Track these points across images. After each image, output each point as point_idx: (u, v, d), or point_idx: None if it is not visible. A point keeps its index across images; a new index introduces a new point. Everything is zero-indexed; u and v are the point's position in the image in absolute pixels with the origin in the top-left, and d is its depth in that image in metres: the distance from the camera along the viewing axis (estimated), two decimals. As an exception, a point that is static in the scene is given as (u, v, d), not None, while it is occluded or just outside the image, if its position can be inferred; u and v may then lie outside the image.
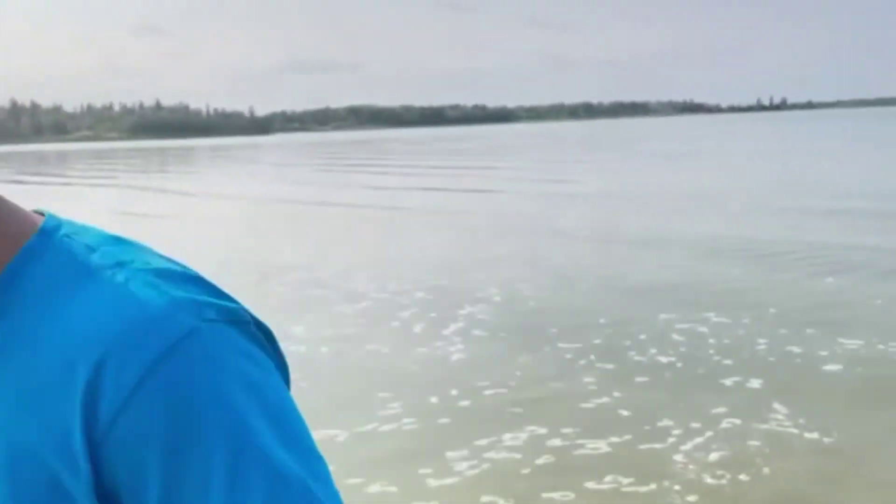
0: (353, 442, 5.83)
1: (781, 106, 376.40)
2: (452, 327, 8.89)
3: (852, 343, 7.61)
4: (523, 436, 5.81)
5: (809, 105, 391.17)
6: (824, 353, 7.36)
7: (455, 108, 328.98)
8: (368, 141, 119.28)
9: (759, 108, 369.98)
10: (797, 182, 24.55)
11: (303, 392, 7.36)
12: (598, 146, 64.61)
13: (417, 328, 8.94)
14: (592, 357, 7.61)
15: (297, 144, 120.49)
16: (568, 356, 7.69)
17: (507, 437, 5.78)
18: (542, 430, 5.90)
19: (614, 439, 5.72)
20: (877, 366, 7.01)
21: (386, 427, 6.08)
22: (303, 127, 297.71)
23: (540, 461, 5.39)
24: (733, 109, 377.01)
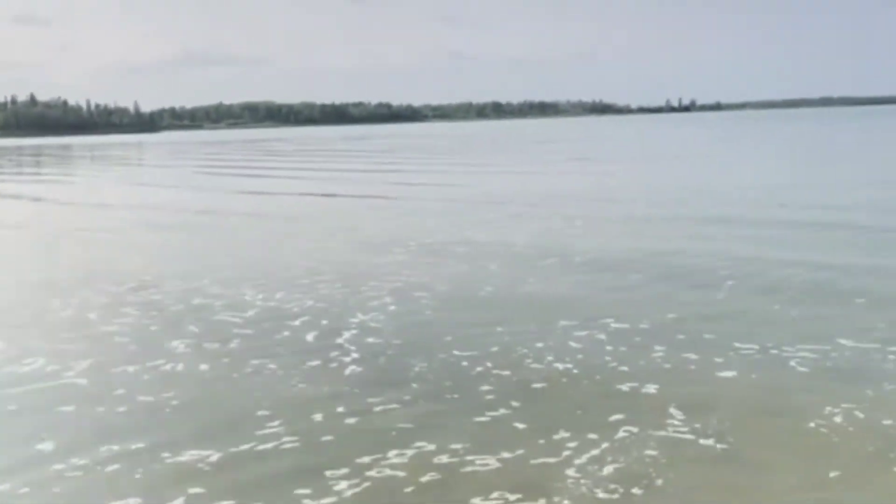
0: (226, 464, 5.64)
1: (691, 107, 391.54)
2: (346, 336, 8.77)
3: (748, 349, 7.91)
4: (409, 452, 5.75)
5: (718, 106, 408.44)
6: (720, 360, 7.62)
7: (358, 105, 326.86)
8: (264, 140, 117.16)
9: (669, 109, 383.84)
10: (688, 188, 25.51)
11: (175, 412, 7.18)
12: (502, 147, 65.54)
13: (308, 338, 8.78)
14: (489, 364, 7.65)
15: (185, 143, 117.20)
16: (463, 364, 7.70)
17: (393, 455, 5.71)
18: (431, 447, 5.86)
19: (505, 454, 5.74)
20: (771, 372, 7.30)
21: (263, 447, 5.91)
22: (194, 124, 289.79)
23: (424, 479, 5.34)
24: (643, 110, 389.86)
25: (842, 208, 18.09)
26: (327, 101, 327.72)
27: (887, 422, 6.00)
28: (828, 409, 6.28)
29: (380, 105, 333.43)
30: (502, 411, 6.54)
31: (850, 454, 5.53)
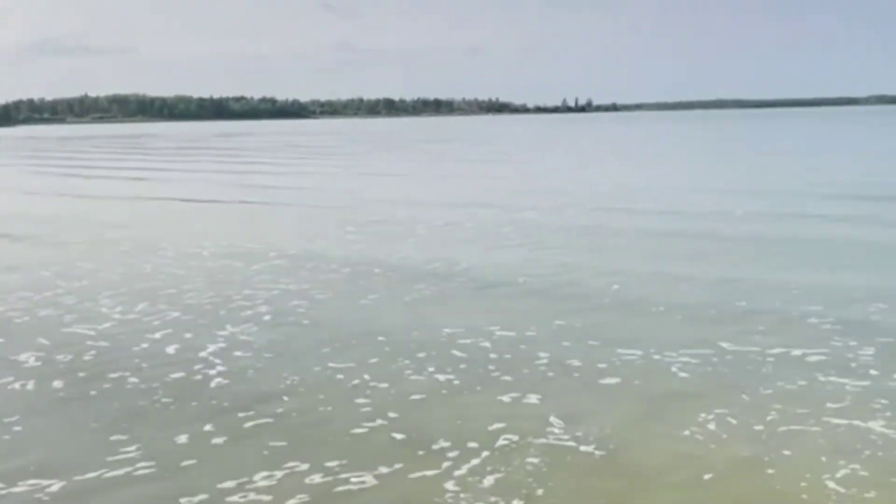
0: (70, 495, 5.41)
1: (587, 107, 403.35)
2: (211, 348, 8.58)
3: (631, 355, 8.21)
4: (279, 474, 5.68)
5: (614, 107, 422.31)
6: (603, 367, 7.87)
7: (239, 100, 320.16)
8: (131, 136, 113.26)
9: (566, 108, 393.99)
10: (563, 191, 26.28)
11: (19, 436, 6.81)
12: (389, 146, 65.67)
13: (170, 351, 8.54)
14: (366, 376, 7.64)
15: (43, 137, 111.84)
16: (339, 377, 7.66)
17: (260, 477, 5.63)
18: (303, 466, 5.81)
19: (383, 469, 5.75)
20: (654, 378, 7.60)
21: (114, 474, 5.71)
22: (56, 118, 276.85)
23: (292, 502, 5.29)
24: (539, 110, 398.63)
25: (710, 215, 19.00)
26: (204, 94, 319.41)
27: (759, 427, 6.34)
28: (703, 415, 6.59)
29: (263, 100, 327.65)
30: (379, 423, 6.56)
31: (724, 460, 5.81)
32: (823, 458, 5.75)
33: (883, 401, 6.82)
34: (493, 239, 15.72)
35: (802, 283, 11.27)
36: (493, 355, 8.28)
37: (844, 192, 22.45)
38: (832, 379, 7.37)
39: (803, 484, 5.37)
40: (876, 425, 6.33)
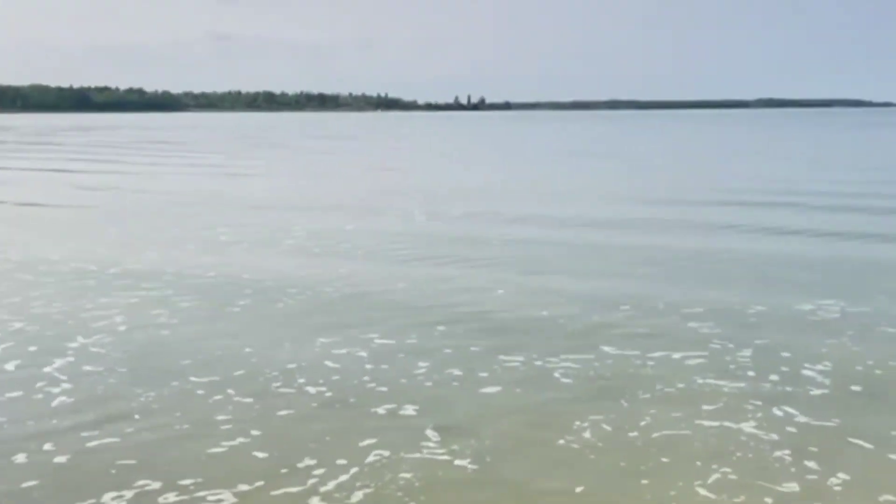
0: None
1: (480, 105, 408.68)
2: (58, 363, 8.24)
3: (514, 362, 8.36)
4: (129, 494, 5.56)
5: (507, 105, 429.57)
6: (485, 375, 7.98)
7: (104, 90, 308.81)
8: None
9: (458, 106, 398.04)
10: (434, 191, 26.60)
11: None
12: (259, 142, 64.79)
13: (9, 367, 8.16)
14: (230, 391, 7.50)
15: None
16: (200, 392, 7.49)
17: (109, 498, 5.49)
18: (155, 485, 5.67)
19: (243, 487, 5.67)
20: (535, 385, 7.75)
21: (-61, 503, 5.41)
22: None
23: (140, 524, 5.15)
24: (431, 107, 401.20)
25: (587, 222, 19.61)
26: (63, 83, 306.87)
27: (634, 434, 6.57)
28: (578, 423, 6.76)
29: (130, 91, 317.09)
30: (241, 441, 6.45)
31: (598, 470, 5.98)
32: (698, 464, 6.00)
33: (756, 402, 7.18)
34: (370, 247, 15.71)
35: (683, 288, 11.75)
36: (369, 366, 8.27)
37: (724, 197, 23.54)
38: (709, 381, 7.71)
39: (673, 493, 5.58)
40: (748, 426, 6.66)
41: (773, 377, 7.85)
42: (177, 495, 5.55)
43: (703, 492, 5.59)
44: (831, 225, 17.69)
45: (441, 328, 9.58)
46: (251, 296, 11.18)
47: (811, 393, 7.44)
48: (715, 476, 5.81)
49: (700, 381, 7.75)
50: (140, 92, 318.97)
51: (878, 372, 8.01)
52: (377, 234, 16.71)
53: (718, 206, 21.35)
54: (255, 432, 6.61)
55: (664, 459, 6.08)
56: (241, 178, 31.09)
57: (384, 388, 7.64)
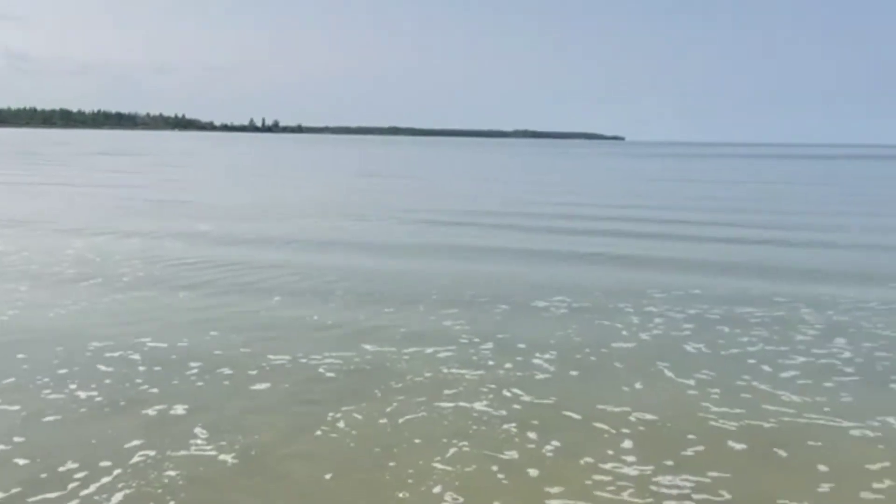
0: None
1: (274, 128, 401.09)
2: None
3: (280, 360, 8.19)
4: None
5: (300, 129, 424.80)
6: (253, 373, 7.76)
7: None
8: None
9: (253, 128, 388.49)
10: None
11: None
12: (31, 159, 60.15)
13: None
14: (-5, 401, 6.80)
15: None
16: (-39, 403, 6.73)
17: None
18: None
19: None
20: (300, 380, 7.60)
21: None
22: None
23: None
24: (227, 128, 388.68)
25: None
26: None
27: (383, 420, 6.63)
28: (332, 414, 6.70)
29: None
30: (1, 448, 5.86)
31: (347, 457, 5.96)
32: (439, 441, 6.13)
33: (491, 385, 7.47)
34: (141, 247, 14.93)
35: (439, 291, 12.06)
36: (141, 368, 7.81)
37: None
38: (453, 371, 7.93)
39: (411, 470, 5.66)
40: (481, 406, 6.91)
41: (508, 365, 8.20)
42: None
43: (440, 466, 5.71)
44: (562, 233, 18.86)
45: (213, 333, 9.21)
46: (17, 307, 10.24)
47: (537, 377, 7.84)
48: (452, 450, 5.97)
49: (445, 370, 7.95)
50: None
51: (592, 358, 8.56)
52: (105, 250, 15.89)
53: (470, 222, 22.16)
54: (17, 439, 6.04)
55: (410, 440, 6.16)
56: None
57: (155, 390, 7.24)
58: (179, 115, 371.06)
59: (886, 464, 5.88)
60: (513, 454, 5.94)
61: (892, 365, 8.51)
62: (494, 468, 5.70)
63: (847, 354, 8.87)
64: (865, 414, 6.94)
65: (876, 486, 5.52)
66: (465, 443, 6.11)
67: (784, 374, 8.07)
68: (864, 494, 5.41)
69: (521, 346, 8.94)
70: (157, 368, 7.83)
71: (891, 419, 6.82)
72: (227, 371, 7.82)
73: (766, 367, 8.29)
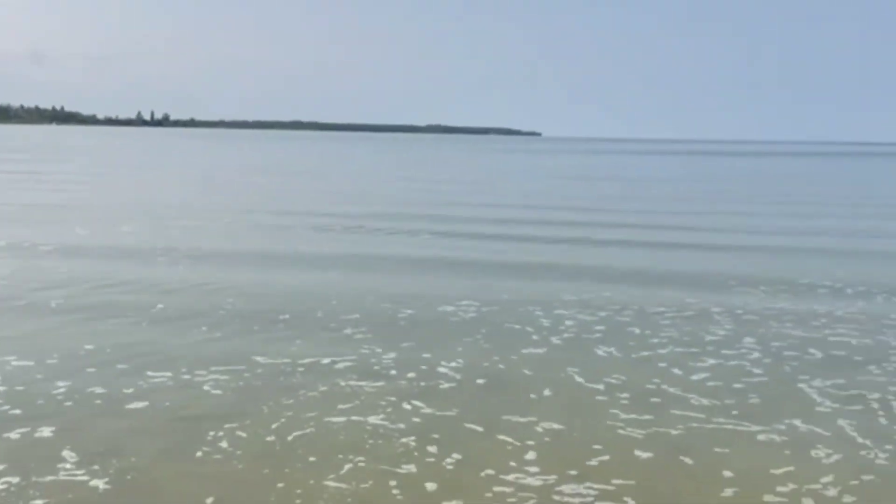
0: None
1: (164, 122, 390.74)
2: None
3: (161, 377, 7.96)
4: None
5: (192, 122, 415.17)
6: (129, 391, 7.52)
7: None
8: None
9: (141, 122, 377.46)
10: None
11: None
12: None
13: None
14: None
15: None
16: None
17: None
18: None
19: None
20: (183, 398, 7.42)
21: None
22: None
23: None
24: (111, 122, 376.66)
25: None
26: None
27: (271, 438, 6.53)
28: (214, 433, 6.58)
29: None
30: None
31: (233, 477, 5.84)
32: (333, 457, 6.07)
33: (391, 398, 7.46)
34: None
35: (336, 297, 11.99)
36: (2, 388, 7.46)
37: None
38: (351, 382, 7.88)
39: (300, 490, 5.59)
40: (377, 420, 6.89)
41: (411, 374, 8.20)
42: None
43: (333, 483, 5.66)
44: (468, 234, 19.05)
45: (88, 346, 8.90)
46: None
47: (440, 387, 7.87)
48: (347, 466, 5.93)
49: (343, 383, 7.89)
50: None
51: (501, 366, 8.64)
52: None
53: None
54: None
55: (302, 458, 6.08)
56: None
57: (18, 411, 6.93)
58: (58, 108, 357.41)
59: (790, 468, 6.14)
60: (411, 468, 5.94)
61: (800, 365, 8.92)
62: (392, 483, 5.68)
63: (756, 355, 9.25)
64: (772, 417, 7.25)
65: (780, 489, 5.77)
66: (361, 458, 6.08)
67: (694, 377, 8.35)
68: (768, 498, 5.64)
69: (426, 354, 8.95)
70: (18, 388, 7.49)
71: (797, 421, 7.14)
72: (99, 390, 7.55)
73: (677, 370, 8.56)
